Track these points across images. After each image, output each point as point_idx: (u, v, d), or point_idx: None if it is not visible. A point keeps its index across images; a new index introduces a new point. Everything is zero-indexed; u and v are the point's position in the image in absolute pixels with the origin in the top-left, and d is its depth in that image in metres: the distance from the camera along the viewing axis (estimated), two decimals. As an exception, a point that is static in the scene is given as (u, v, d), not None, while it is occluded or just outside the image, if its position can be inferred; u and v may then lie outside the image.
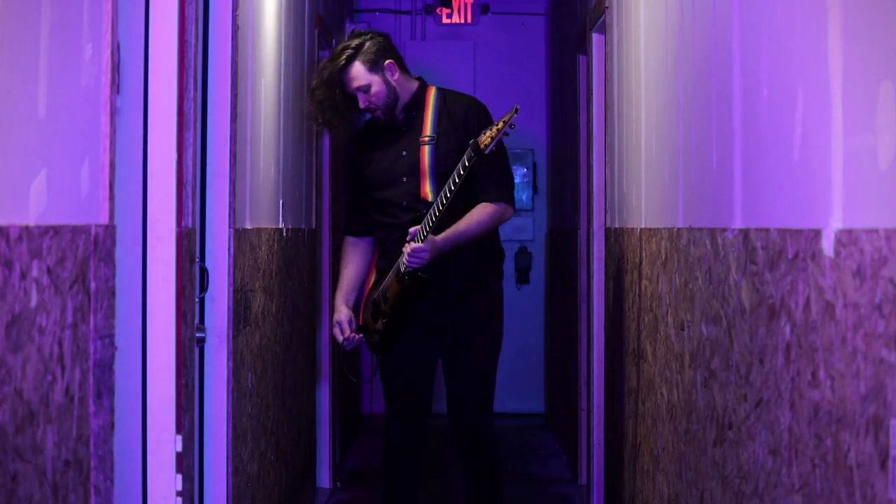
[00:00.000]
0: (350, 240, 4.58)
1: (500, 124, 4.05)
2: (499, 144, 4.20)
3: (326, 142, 6.36)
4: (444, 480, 6.19)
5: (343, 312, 4.48)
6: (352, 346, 4.49)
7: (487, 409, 4.47)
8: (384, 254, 4.47)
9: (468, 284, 4.39)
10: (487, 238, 4.38)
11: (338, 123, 4.47)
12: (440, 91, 4.45)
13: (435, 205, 4.15)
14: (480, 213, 4.31)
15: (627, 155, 4.42)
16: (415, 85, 4.43)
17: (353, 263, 4.55)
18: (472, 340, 4.42)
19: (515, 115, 4.03)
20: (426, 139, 4.35)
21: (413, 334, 4.44)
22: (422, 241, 4.20)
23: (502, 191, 4.36)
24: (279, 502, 4.75)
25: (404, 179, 4.36)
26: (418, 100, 4.40)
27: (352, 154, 4.56)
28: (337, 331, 4.47)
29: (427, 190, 4.33)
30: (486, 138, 4.06)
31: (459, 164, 4.13)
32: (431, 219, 4.17)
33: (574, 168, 6.51)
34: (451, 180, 4.14)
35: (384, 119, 4.39)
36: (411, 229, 4.22)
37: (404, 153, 4.35)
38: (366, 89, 4.35)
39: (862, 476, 1.77)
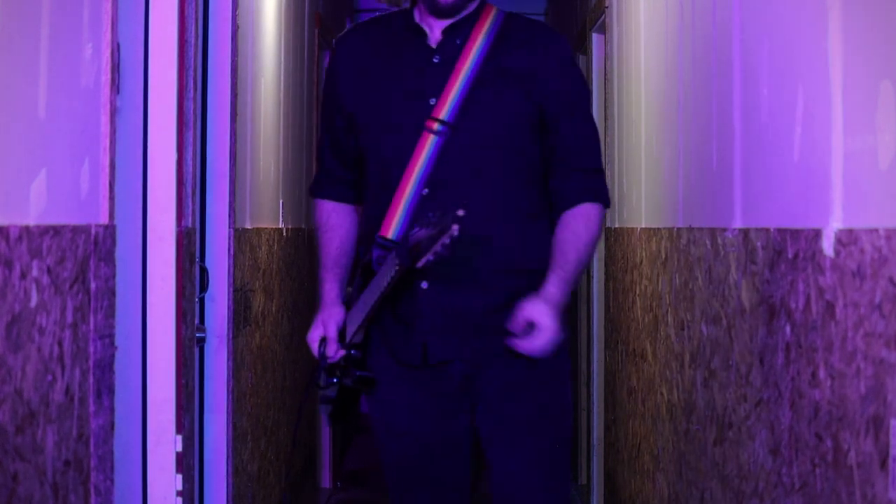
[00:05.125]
0: (327, 205, 2.91)
1: (437, 232, 2.41)
2: (585, 110, 2.81)
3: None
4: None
5: (333, 314, 2.80)
6: (333, 360, 2.77)
7: None
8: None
9: (512, 301, 2.69)
10: (538, 247, 2.77)
11: None
12: (504, 15, 2.80)
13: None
14: (582, 228, 2.74)
15: (627, 155, 4.42)
16: (475, 3, 2.78)
17: (340, 231, 2.88)
18: (531, 413, 2.78)
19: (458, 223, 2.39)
20: None
21: (437, 385, 2.78)
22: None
23: (599, 180, 2.80)
24: (279, 502, 4.75)
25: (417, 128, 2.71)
26: (469, 21, 2.75)
27: (340, 72, 2.84)
28: (315, 335, 2.78)
29: None
30: (421, 243, 2.42)
31: (383, 275, 2.58)
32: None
33: (574, 168, 6.50)
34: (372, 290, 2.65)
35: (451, 2, 2.69)
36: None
37: (432, 101, 2.70)
38: None
39: (862, 476, 1.77)
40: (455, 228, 2.37)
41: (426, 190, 2.67)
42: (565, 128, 2.74)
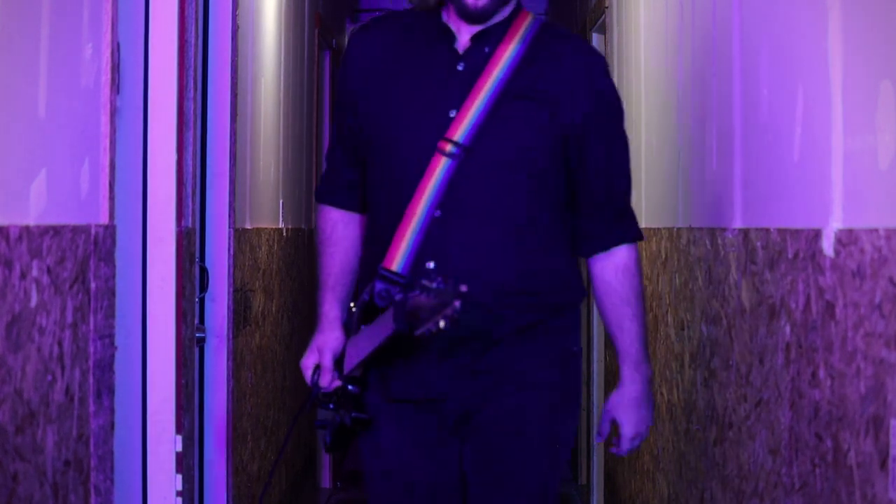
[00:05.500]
0: (332, 213, 2.66)
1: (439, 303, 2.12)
2: (617, 141, 2.56)
3: (326, 141, 6.37)
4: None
5: (330, 340, 2.58)
6: (327, 390, 2.56)
7: None
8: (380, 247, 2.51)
9: (521, 332, 2.51)
10: (556, 278, 2.54)
11: None
12: (541, 23, 2.53)
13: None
14: (628, 289, 2.58)
15: (627, 155, 4.42)
16: (510, 8, 2.51)
17: (344, 244, 2.65)
18: (522, 460, 2.55)
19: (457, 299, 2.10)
20: None
21: (429, 426, 2.54)
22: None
23: (630, 215, 2.60)
24: (279, 502, 4.75)
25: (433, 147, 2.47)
26: (501, 28, 2.49)
27: (357, 68, 2.59)
28: (310, 362, 2.57)
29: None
30: (421, 311, 2.15)
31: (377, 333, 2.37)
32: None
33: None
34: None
35: (481, 7, 2.41)
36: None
37: (452, 113, 2.45)
38: None
39: (862, 476, 1.77)
40: (457, 304, 2.12)
41: (438, 212, 2.44)
42: (594, 163, 2.51)
